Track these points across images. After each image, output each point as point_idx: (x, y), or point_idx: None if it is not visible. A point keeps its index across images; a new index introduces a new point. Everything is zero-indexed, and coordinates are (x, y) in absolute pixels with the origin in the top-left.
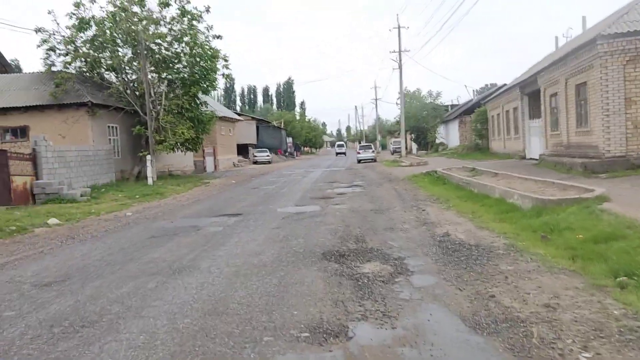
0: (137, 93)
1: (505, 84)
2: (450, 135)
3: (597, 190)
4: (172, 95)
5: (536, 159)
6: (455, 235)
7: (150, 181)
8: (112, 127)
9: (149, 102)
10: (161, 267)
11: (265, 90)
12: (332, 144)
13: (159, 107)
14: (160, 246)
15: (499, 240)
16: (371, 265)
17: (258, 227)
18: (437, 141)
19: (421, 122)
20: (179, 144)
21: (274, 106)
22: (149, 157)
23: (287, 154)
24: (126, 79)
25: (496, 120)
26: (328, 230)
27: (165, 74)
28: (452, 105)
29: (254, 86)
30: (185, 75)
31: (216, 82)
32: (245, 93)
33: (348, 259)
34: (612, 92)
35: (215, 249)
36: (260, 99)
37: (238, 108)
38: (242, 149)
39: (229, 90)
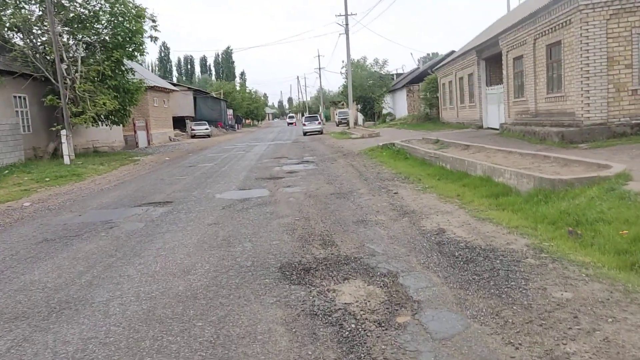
0: (49, 58)
1: (453, 51)
2: (398, 105)
3: (614, 167)
4: (91, 60)
5: (496, 129)
6: (452, 231)
7: (66, 160)
8: (20, 97)
9: (60, 67)
10: (34, 302)
11: (203, 60)
12: (275, 116)
13: (74, 73)
14: (48, 258)
15: (517, 240)
16: (352, 288)
17: (190, 223)
18: (385, 111)
19: (367, 92)
20: (101, 117)
21: (213, 77)
22: (63, 132)
23: (227, 127)
24: (34, 41)
25: (448, 88)
26: (282, 226)
27: (81, 35)
28: (398, 74)
29: (191, 56)
30: (107, 38)
31: (143, 45)
32: (182, 63)
33: (317, 277)
34: (593, 52)
35: (125, 264)
36: (198, 69)
37: (174, 79)
38: (179, 122)
39: (165, 60)
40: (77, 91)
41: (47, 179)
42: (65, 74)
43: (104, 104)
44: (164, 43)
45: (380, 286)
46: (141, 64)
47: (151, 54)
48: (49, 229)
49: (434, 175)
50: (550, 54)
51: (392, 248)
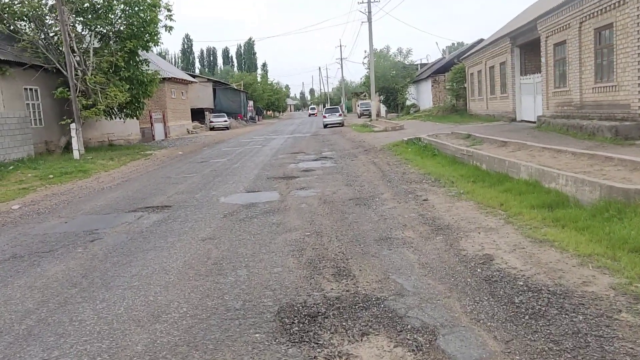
0: (61, 49)
1: (482, 39)
2: (422, 96)
3: None
4: (105, 51)
5: (532, 122)
6: (503, 259)
7: (76, 155)
8: (31, 89)
9: (70, 57)
10: None
11: (225, 52)
12: (297, 108)
13: (85, 65)
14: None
15: (596, 278)
16: (373, 351)
17: (182, 237)
18: (408, 103)
19: (391, 83)
20: (114, 109)
21: (235, 68)
22: (73, 125)
23: (247, 119)
24: (46, 32)
25: (477, 78)
26: (289, 244)
27: (94, 25)
28: (423, 64)
29: (214, 48)
30: (121, 28)
31: (158, 35)
32: (205, 55)
33: (325, 329)
34: None
35: (86, 300)
36: (220, 61)
37: (197, 71)
38: (198, 114)
39: (187, 52)
40: (88, 83)
41: (51, 176)
42: (76, 65)
43: (115, 96)
44: (186, 35)
45: (413, 350)
46: (164, 56)
47: (174, 46)
48: (25, 240)
49: (468, 177)
50: (599, 39)
51: (425, 284)
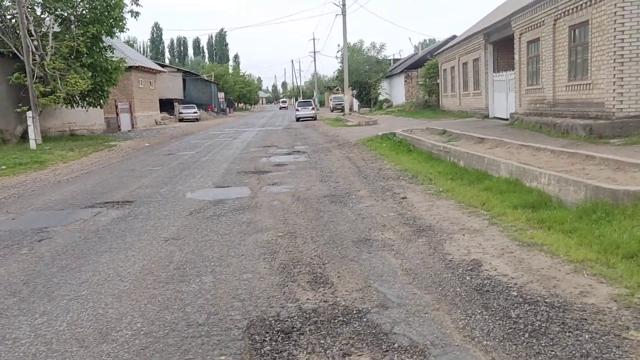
0: (18, 32)
1: (455, 36)
2: (395, 91)
3: None
4: (66, 36)
5: (504, 119)
6: (492, 265)
7: (32, 145)
8: None
9: (26, 41)
10: None
11: (196, 42)
12: (269, 101)
13: (44, 49)
14: None
15: (594, 288)
16: None
17: (142, 237)
18: (381, 98)
19: (364, 77)
20: (75, 97)
21: (206, 59)
22: (29, 113)
23: (218, 111)
24: (2, 13)
25: (450, 74)
26: (260, 246)
27: (55, 8)
28: (396, 60)
29: (184, 37)
30: (84, 12)
31: (123, 21)
32: (175, 45)
33: (302, 349)
34: (629, 33)
35: (24, 313)
36: (190, 51)
37: (167, 61)
38: (167, 105)
39: (157, 41)
40: (46, 69)
41: (3, 167)
42: (34, 50)
43: (76, 83)
44: (156, 24)
45: None
46: (132, 45)
47: (143, 34)
48: None
49: (446, 174)
50: (573, 37)
51: (410, 293)
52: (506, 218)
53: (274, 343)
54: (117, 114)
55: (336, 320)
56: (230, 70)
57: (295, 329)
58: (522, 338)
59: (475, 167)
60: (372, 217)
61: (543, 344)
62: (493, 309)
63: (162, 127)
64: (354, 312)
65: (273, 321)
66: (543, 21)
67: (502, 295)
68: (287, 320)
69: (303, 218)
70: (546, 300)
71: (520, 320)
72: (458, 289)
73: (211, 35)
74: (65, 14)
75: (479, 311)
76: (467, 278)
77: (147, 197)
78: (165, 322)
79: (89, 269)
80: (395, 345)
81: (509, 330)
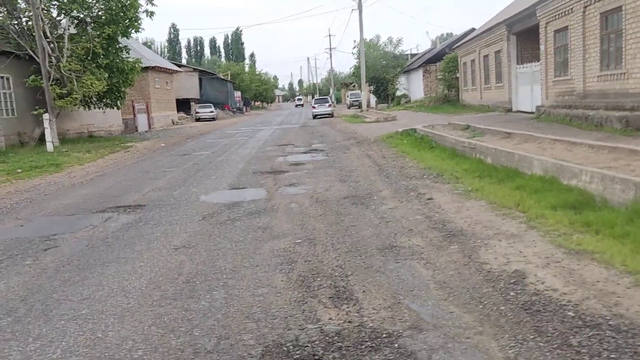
0: (34, 34)
1: (474, 28)
2: (413, 86)
3: None
4: (82, 38)
5: (529, 112)
6: (537, 278)
7: (49, 147)
8: (2, 77)
9: (42, 42)
10: None
11: (213, 42)
12: (285, 99)
13: (60, 51)
14: None
15: None
16: None
17: (152, 245)
18: (399, 93)
19: (381, 73)
20: (92, 99)
21: (222, 58)
22: (46, 115)
23: (235, 109)
24: (17, 15)
25: (470, 67)
26: (277, 255)
27: (70, 9)
28: (413, 55)
29: (201, 37)
30: (99, 13)
31: (139, 21)
32: (192, 45)
33: None
34: None
35: (18, 335)
36: (207, 51)
37: (184, 60)
38: (184, 105)
39: (174, 42)
40: (62, 70)
41: (19, 170)
42: (50, 52)
43: (92, 84)
44: (173, 24)
45: None
46: (149, 46)
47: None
48: None
49: (472, 171)
50: (605, 24)
51: (447, 312)
52: (546, 221)
53: None
54: (134, 115)
55: (363, 347)
56: (247, 69)
57: (316, 357)
58: None
59: (505, 164)
60: (397, 220)
61: None
62: (548, 335)
63: (179, 127)
64: (384, 335)
65: (291, 347)
66: (572, 8)
67: (557, 317)
68: (307, 346)
69: (322, 222)
70: (610, 323)
71: (583, 350)
72: (502, 307)
73: (227, 35)
74: (81, 16)
75: (531, 336)
76: (512, 293)
77: (160, 201)
78: (170, 349)
79: (93, 283)
80: None
81: None
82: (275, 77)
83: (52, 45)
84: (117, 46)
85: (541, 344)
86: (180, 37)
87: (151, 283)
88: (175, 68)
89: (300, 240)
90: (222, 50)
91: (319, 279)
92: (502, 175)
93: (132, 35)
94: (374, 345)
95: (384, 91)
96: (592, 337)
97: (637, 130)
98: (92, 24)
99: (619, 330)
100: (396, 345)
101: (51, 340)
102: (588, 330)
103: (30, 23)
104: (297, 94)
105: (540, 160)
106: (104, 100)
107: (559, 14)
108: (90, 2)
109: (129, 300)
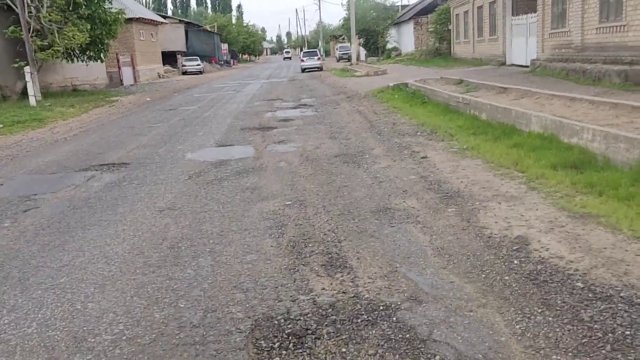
0: None
1: None
2: (404, 39)
3: None
4: None
5: (523, 66)
6: (542, 245)
7: (32, 101)
8: None
9: None
10: None
11: None
12: (273, 52)
13: (41, 1)
14: None
15: None
16: None
17: (136, 207)
18: (389, 46)
19: (371, 25)
20: (75, 51)
21: (209, 10)
22: (27, 69)
23: (222, 62)
24: None
25: (463, 19)
26: (266, 217)
27: None
28: (404, 6)
29: None
30: None
31: None
32: None
33: None
34: None
35: None
36: (193, 2)
37: (169, 12)
38: (170, 58)
39: None
40: (42, 21)
41: (0, 126)
42: (29, 2)
43: (74, 36)
44: None
45: None
46: None
47: None
48: None
49: (466, 128)
50: None
51: (447, 282)
52: (547, 181)
53: (284, 352)
54: (119, 68)
55: (359, 320)
56: (234, 21)
57: (309, 332)
58: (604, 352)
59: (501, 121)
60: (390, 180)
61: None
62: (557, 308)
63: (165, 80)
64: (381, 308)
65: (282, 320)
66: None
67: (565, 288)
68: (299, 320)
69: (313, 182)
70: (621, 294)
71: (595, 326)
72: (506, 277)
73: None
74: None
75: (539, 310)
76: (515, 262)
77: (145, 159)
78: (154, 323)
79: (73, 248)
80: (437, 358)
81: (584, 341)
82: (263, 30)
83: None
84: None
85: (550, 318)
86: None
87: (134, 248)
88: (161, 19)
89: (290, 202)
90: (208, 1)
91: (310, 245)
92: (498, 132)
93: None
94: (370, 318)
95: (374, 44)
96: (604, 311)
97: (636, 85)
98: None
99: (631, 303)
100: (394, 318)
101: (27, 312)
102: (599, 303)
103: None
104: (285, 46)
105: (539, 116)
106: (86, 53)
107: None
108: None
109: (110, 267)
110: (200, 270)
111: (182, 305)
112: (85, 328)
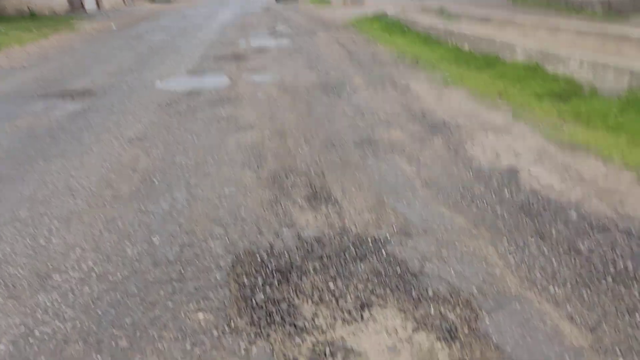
0: None
1: None
2: None
3: None
4: None
5: None
6: (532, 176)
7: None
8: None
9: None
10: None
11: None
12: None
13: None
14: None
15: None
16: (385, 341)
17: (104, 137)
18: None
19: None
20: None
21: None
22: None
23: None
24: None
25: None
26: (244, 148)
27: None
28: None
29: None
30: None
31: None
32: None
33: (305, 299)
34: None
35: None
36: None
37: None
38: None
39: None
40: None
41: None
42: None
43: None
44: None
45: (445, 338)
46: None
47: None
48: None
49: (449, 59)
50: None
51: (437, 214)
52: (533, 111)
53: (268, 289)
54: None
55: (347, 255)
56: None
57: (295, 268)
58: (604, 284)
59: (484, 51)
60: (372, 111)
61: (637, 295)
62: (552, 239)
63: (132, 8)
64: (369, 242)
65: (265, 256)
66: None
67: (560, 218)
68: (283, 255)
69: (292, 113)
70: (618, 225)
71: (594, 257)
72: (498, 208)
73: None
74: None
75: (534, 241)
76: (506, 193)
77: (111, 87)
78: (125, 259)
79: (34, 180)
80: (430, 292)
81: (582, 272)
82: None
83: None
84: None
85: (545, 250)
86: None
87: (102, 181)
88: None
89: (269, 133)
90: None
91: (292, 177)
92: (482, 62)
93: None
94: (358, 253)
95: None
96: (602, 242)
97: (618, 15)
98: None
99: (630, 234)
100: (384, 252)
101: None
102: (596, 235)
103: None
104: None
105: (524, 46)
106: None
107: None
108: None
109: (76, 200)
110: (175, 204)
111: (156, 241)
112: (49, 265)
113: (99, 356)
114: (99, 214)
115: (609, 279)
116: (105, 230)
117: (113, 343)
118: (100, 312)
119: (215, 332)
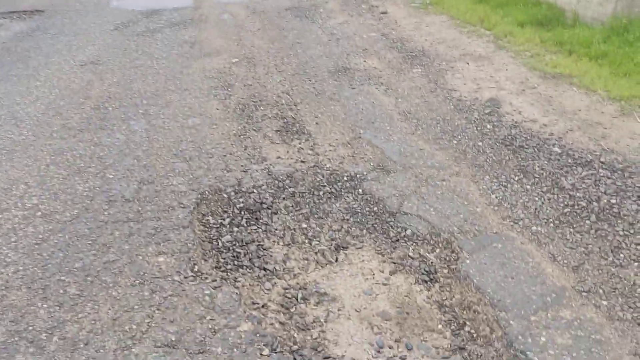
0: None
1: None
2: None
3: None
4: None
5: None
6: (514, 108)
7: None
8: None
9: None
10: None
11: None
12: None
13: None
14: None
15: None
16: (360, 285)
17: (53, 60)
18: None
19: None
20: None
21: None
22: None
23: None
24: None
25: None
26: (209, 76)
27: None
28: None
29: None
30: None
31: None
32: None
33: (276, 239)
34: None
35: None
36: None
37: None
38: None
39: None
40: None
41: None
42: None
43: None
44: None
45: (424, 281)
46: None
47: None
48: None
49: None
50: None
51: (416, 148)
52: (515, 39)
53: (235, 229)
54: None
55: (321, 192)
56: None
57: (265, 206)
58: (588, 223)
59: None
60: (348, 37)
61: (621, 231)
62: (535, 175)
63: None
64: (345, 178)
65: (233, 193)
66: None
67: (542, 153)
68: (252, 192)
69: (262, 38)
70: (601, 160)
71: (578, 194)
72: (479, 143)
73: None
74: None
75: (517, 178)
76: (488, 126)
77: (61, 5)
78: (75, 196)
79: None
80: (408, 232)
81: (566, 210)
82: None
83: None
84: None
85: (528, 186)
86: None
87: (50, 108)
88: None
89: (237, 60)
90: None
91: (262, 108)
92: None
93: None
94: (333, 190)
95: None
96: (586, 177)
97: None
98: None
99: (613, 169)
100: (360, 190)
101: None
102: (580, 170)
103: None
104: None
105: None
106: None
107: None
108: None
109: (21, 130)
110: (132, 136)
111: (110, 176)
112: None
113: (44, 304)
114: (46, 146)
115: (593, 217)
116: (53, 164)
117: (61, 290)
118: (46, 255)
119: (176, 277)
